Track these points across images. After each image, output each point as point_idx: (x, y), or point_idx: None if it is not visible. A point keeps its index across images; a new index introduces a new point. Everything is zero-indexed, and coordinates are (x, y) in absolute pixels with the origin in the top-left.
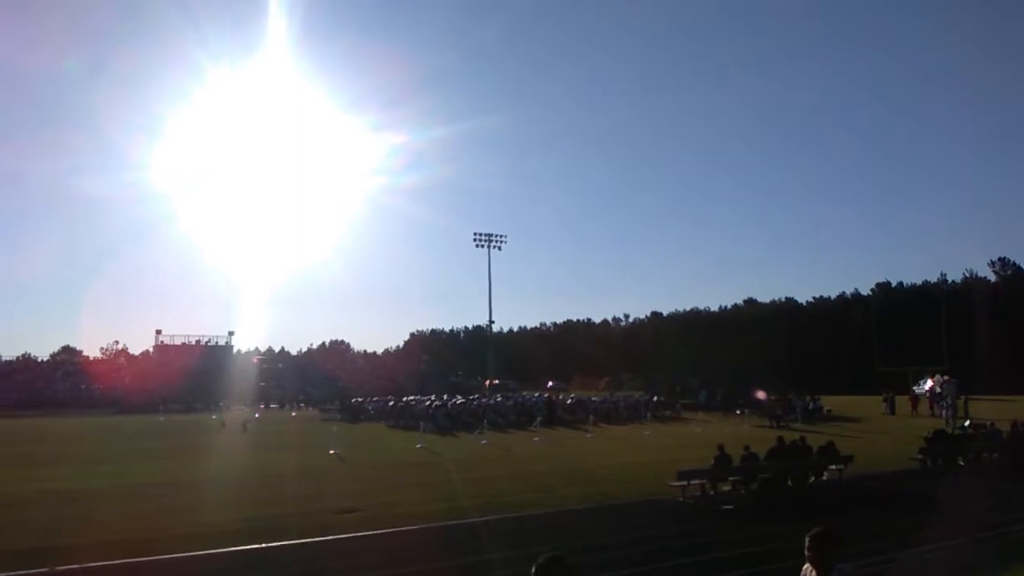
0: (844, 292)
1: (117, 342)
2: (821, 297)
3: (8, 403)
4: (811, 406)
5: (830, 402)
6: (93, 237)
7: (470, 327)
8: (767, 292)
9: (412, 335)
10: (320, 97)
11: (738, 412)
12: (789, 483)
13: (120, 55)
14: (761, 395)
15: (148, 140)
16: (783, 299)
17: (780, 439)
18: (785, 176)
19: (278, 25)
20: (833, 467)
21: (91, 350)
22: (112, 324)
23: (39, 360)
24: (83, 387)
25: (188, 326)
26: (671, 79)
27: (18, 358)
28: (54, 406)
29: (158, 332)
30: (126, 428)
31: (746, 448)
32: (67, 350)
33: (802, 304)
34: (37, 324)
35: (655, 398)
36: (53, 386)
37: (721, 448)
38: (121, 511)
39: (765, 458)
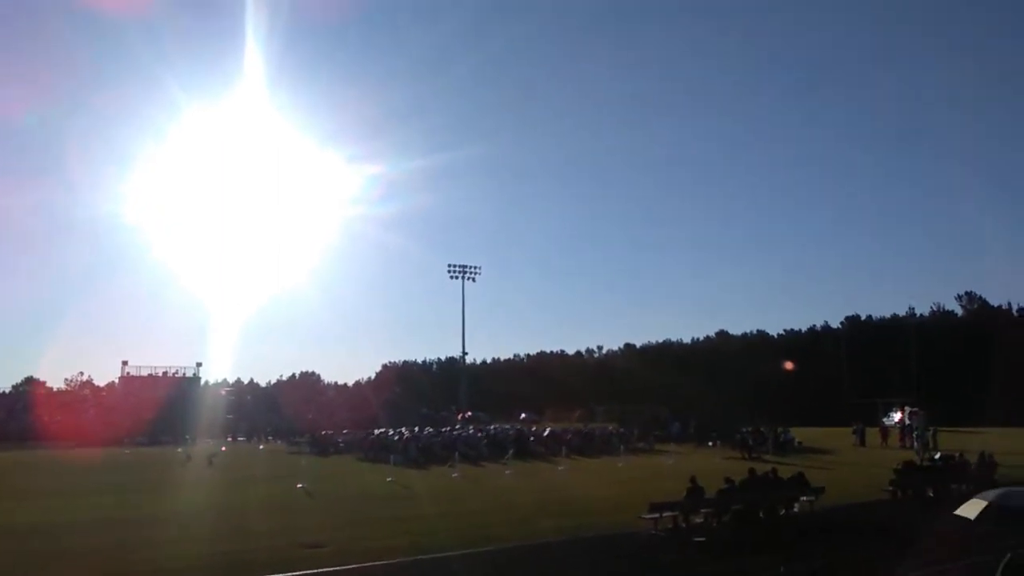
0: (814, 325)
1: (82, 373)
2: (791, 330)
3: None
4: (782, 438)
5: (801, 434)
6: (60, 268)
7: (443, 358)
8: (739, 325)
9: (384, 366)
10: (295, 129)
11: (710, 444)
12: (761, 515)
13: (93, 89)
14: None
15: (119, 173)
16: (754, 332)
17: (752, 471)
18: (756, 211)
19: (254, 60)
20: (804, 498)
21: (55, 381)
22: (78, 355)
23: (1, 391)
24: (45, 420)
25: (156, 357)
26: (642, 112)
27: None
28: (16, 439)
29: (124, 363)
30: (89, 462)
31: (727, 480)
32: (30, 381)
33: (773, 336)
34: (0, 355)
35: (628, 430)
36: (14, 418)
37: (693, 480)
38: (84, 547)
39: (737, 490)
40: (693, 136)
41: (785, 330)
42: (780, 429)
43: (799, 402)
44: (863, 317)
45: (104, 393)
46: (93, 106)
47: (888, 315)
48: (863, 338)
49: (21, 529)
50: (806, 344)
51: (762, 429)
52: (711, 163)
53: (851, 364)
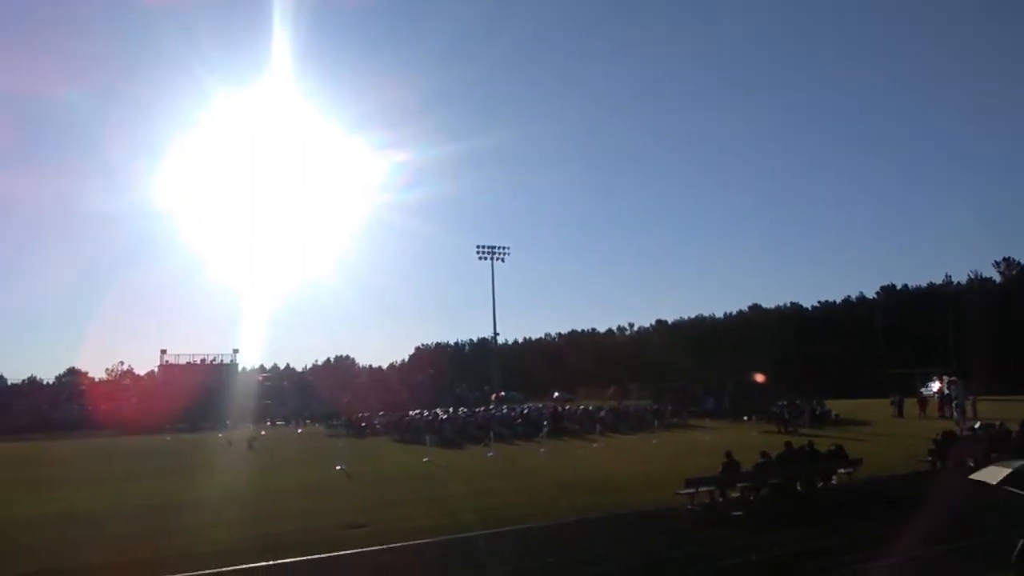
0: (849, 296)
1: (122, 363)
2: (826, 301)
3: (14, 427)
4: (818, 411)
5: (837, 406)
6: (97, 259)
7: (475, 340)
8: (772, 298)
9: (417, 349)
10: (324, 117)
11: (746, 418)
12: (798, 488)
13: (125, 78)
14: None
15: (152, 162)
16: (788, 304)
17: (788, 444)
18: (788, 181)
19: (282, 47)
20: (842, 471)
21: (96, 372)
22: (117, 345)
23: (45, 383)
24: (89, 409)
25: (193, 345)
26: (671, 90)
27: (24, 382)
28: (60, 429)
29: (163, 352)
30: (132, 449)
31: (763, 454)
32: (73, 372)
33: (807, 309)
34: (43, 347)
35: (662, 406)
36: (59, 409)
37: (729, 455)
38: (129, 531)
39: (774, 463)
40: (720, 109)
41: (819, 302)
42: (816, 402)
43: (835, 374)
44: (899, 287)
45: (144, 381)
46: (126, 95)
47: (924, 284)
48: (900, 308)
49: (63, 516)
50: (841, 315)
51: (798, 402)
52: (741, 135)
53: (888, 334)
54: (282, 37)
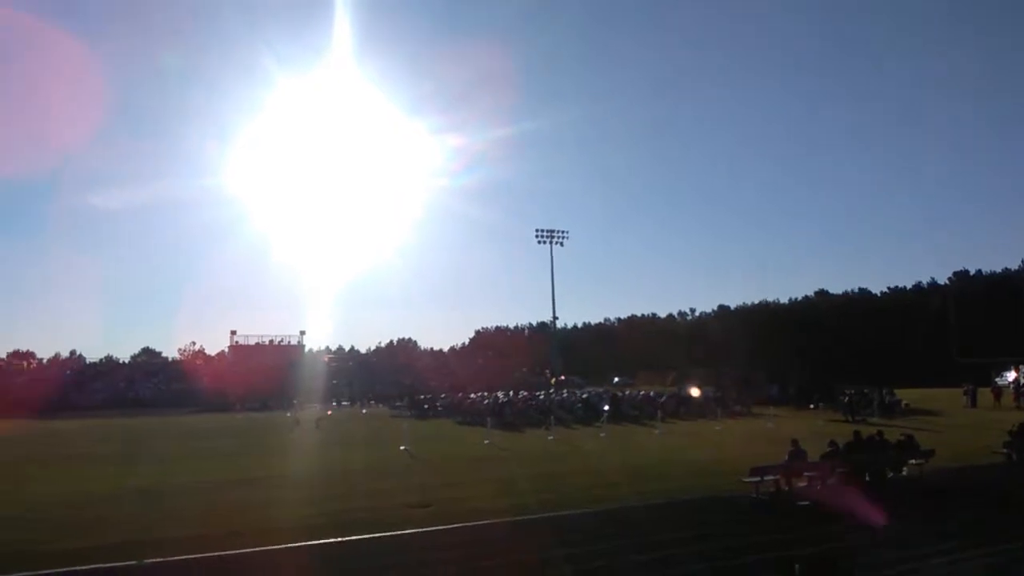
0: (920, 281)
1: (194, 343)
2: (896, 287)
3: (92, 404)
4: (887, 400)
5: (907, 395)
6: (170, 241)
7: (534, 323)
8: (839, 283)
9: (477, 332)
10: (383, 101)
11: (811, 407)
12: (867, 478)
13: (194, 64)
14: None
15: (222, 147)
16: (856, 290)
17: (857, 433)
18: (855, 162)
19: (343, 33)
20: (913, 462)
21: (170, 351)
22: (190, 325)
23: (121, 362)
24: (163, 387)
25: (261, 327)
26: (736, 71)
27: (101, 360)
28: (136, 406)
29: (233, 333)
30: (204, 427)
31: (831, 443)
32: (147, 351)
33: (876, 295)
34: (119, 327)
35: (725, 393)
36: (134, 387)
37: (795, 443)
38: (204, 506)
39: (842, 453)
40: (784, 92)
41: (889, 287)
42: (885, 391)
43: (905, 362)
44: (972, 272)
45: (215, 361)
46: (195, 82)
47: (999, 269)
48: (973, 294)
49: (142, 491)
50: (911, 301)
51: (866, 391)
52: (806, 116)
53: (960, 322)
54: (343, 23)
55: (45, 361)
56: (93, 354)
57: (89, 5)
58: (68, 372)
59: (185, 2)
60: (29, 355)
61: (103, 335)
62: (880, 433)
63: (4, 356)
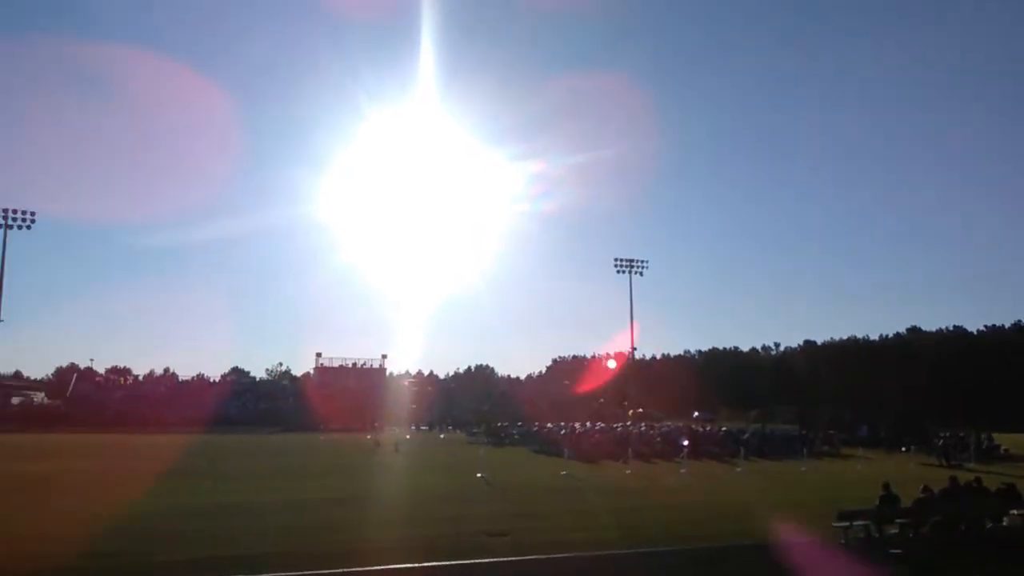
0: (1020, 320)
1: (281, 364)
2: (994, 325)
3: (183, 420)
4: (985, 444)
5: (1006, 440)
6: (262, 267)
7: (611, 354)
8: (933, 320)
9: (554, 361)
10: (464, 132)
11: (903, 449)
12: (963, 527)
13: (291, 100)
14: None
15: (312, 177)
16: (951, 328)
17: (953, 479)
18: (950, 194)
19: (427, 67)
20: (1015, 512)
21: (257, 371)
22: (277, 346)
23: (211, 380)
24: (250, 406)
25: (346, 349)
26: (822, 100)
27: (193, 378)
28: (225, 423)
29: (318, 355)
30: (289, 446)
31: (925, 488)
32: (236, 371)
33: (972, 333)
34: (210, 347)
35: (811, 433)
36: (224, 405)
37: (887, 487)
38: (291, 524)
39: (938, 499)
40: (873, 117)
41: (986, 326)
42: (983, 434)
43: (1004, 405)
44: None
45: (300, 382)
46: (291, 115)
47: None
48: None
49: (227, 508)
50: (1011, 340)
51: (962, 434)
52: (892, 146)
53: None
54: (428, 60)
55: (141, 378)
56: (185, 372)
57: (192, 41)
58: (162, 389)
59: (283, 41)
60: (126, 371)
61: (195, 353)
62: (978, 479)
63: (103, 372)
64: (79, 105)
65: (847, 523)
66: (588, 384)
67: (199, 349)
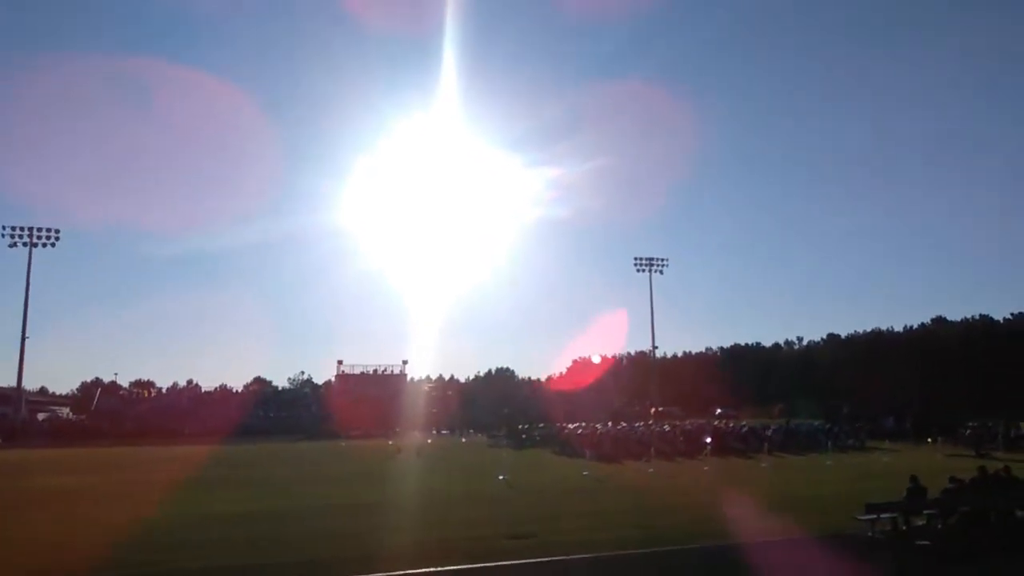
0: None
1: (303, 372)
2: (1020, 313)
3: (206, 431)
4: (1013, 433)
5: None
6: (283, 275)
7: (633, 352)
8: (959, 310)
9: (575, 362)
10: (483, 139)
11: (930, 440)
12: (992, 518)
13: (314, 111)
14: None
15: (332, 183)
16: (977, 316)
17: (982, 469)
18: (972, 181)
19: (448, 77)
20: None
21: (280, 380)
22: (298, 355)
23: (234, 391)
24: (272, 415)
25: (367, 356)
26: (841, 96)
27: (216, 389)
28: (248, 433)
29: (339, 363)
30: (311, 453)
31: (953, 479)
32: (259, 381)
33: (999, 321)
34: (232, 358)
35: (836, 427)
36: (246, 414)
37: (915, 479)
38: (314, 531)
39: (966, 490)
40: (899, 115)
41: (1012, 314)
42: (1011, 423)
43: None
44: None
45: (322, 390)
46: (316, 125)
47: None
48: None
49: (248, 516)
50: None
51: (990, 424)
52: (915, 137)
53: None
54: (449, 66)
55: (164, 390)
56: (207, 383)
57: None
58: (185, 400)
59: (306, 50)
60: (149, 384)
61: (218, 364)
62: (1007, 468)
63: (126, 385)
64: (103, 116)
65: (874, 515)
66: (609, 384)
67: (222, 360)
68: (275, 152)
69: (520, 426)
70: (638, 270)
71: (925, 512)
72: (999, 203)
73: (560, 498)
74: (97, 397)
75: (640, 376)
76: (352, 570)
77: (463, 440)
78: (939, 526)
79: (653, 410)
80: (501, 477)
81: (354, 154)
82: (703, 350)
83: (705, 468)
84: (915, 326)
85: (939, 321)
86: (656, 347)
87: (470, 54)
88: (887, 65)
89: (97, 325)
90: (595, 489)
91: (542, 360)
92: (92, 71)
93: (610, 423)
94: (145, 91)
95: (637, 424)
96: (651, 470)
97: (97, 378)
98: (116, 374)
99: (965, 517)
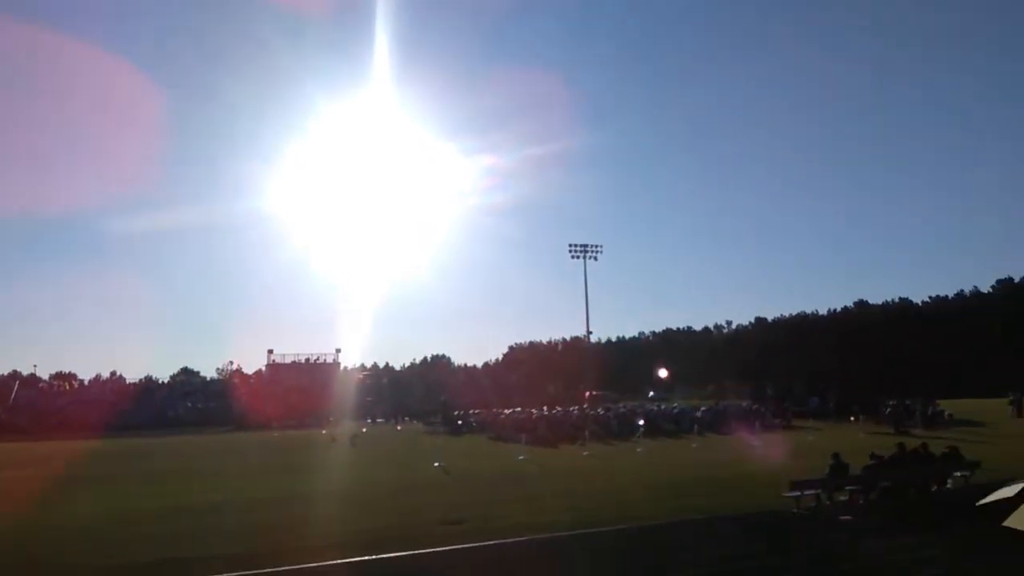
0: (963, 290)
1: (232, 362)
2: (938, 296)
3: (133, 424)
4: (931, 411)
5: (951, 406)
6: (209, 262)
7: (568, 338)
8: (879, 293)
9: (510, 348)
10: (417, 125)
11: (852, 419)
12: (911, 492)
13: (240, 91)
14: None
15: (260, 168)
16: (896, 300)
17: (901, 446)
18: (895, 169)
19: (381, 61)
20: (958, 474)
21: (208, 371)
22: (227, 345)
23: (160, 382)
24: (200, 406)
25: (298, 345)
26: (774, 80)
27: (141, 380)
28: (176, 425)
29: (270, 352)
30: (242, 445)
31: (874, 456)
32: (186, 371)
33: (917, 304)
34: (157, 347)
35: (763, 407)
36: (173, 406)
37: (837, 456)
38: (240, 524)
39: (885, 466)
40: (822, 101)
41: (930, 296)
42: (928, 402)
43: (948, 373)
44: (1017, 280)
45: (252, 380)
46: (241, 106)
47: None
48: (1018, 302)
49: (181, 509)
50: (954, 310)
51: (908, 402)
52: (843, 123)
53: (1005, 330)
54: (382, 53)
55: (87, 382)
56: (132, 374)
57: (133, 32)
58: (108, 393)
59: (231, 30)
60: (71, 376)
61: (142, 356)
62: (924, 445)
63: (47, 378)
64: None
65: (799, 492)
66: (544, 370)
67: (147, 351)
68: (201, 135)
69: (456, 412)
70: (573, 257)
71: (847, 488)
72: (920, 192)
73: (496, 483)
74: (15, 390)
75: (575, 361)
76: (289, 560)
77: (399, 428)
78: (861, 501)
79: (588, 394)
80: (437, 464)
81: (283, 139)
82: (636, 335)
83: (638, 450)
84: (838, 309)
85: (861, 304)
86: (591, 332)
87: (404, 39)
88: (805, 46)
89: (10, 314)
90: (531, 474)
91: (478, 347)
92: None
93: (545, 408)
94: (52, 69)
95: (572, 408)
96: (586, 453)
97: (15, 370)
98: (35, 366)
99: (885, 492)
